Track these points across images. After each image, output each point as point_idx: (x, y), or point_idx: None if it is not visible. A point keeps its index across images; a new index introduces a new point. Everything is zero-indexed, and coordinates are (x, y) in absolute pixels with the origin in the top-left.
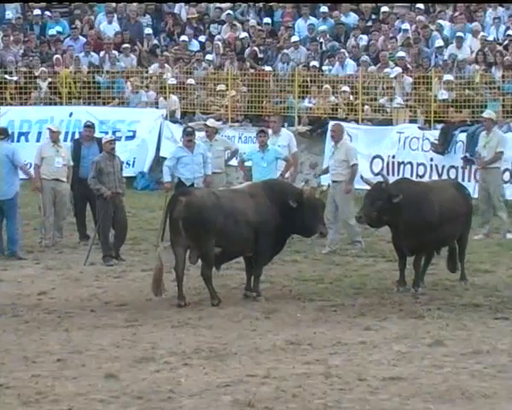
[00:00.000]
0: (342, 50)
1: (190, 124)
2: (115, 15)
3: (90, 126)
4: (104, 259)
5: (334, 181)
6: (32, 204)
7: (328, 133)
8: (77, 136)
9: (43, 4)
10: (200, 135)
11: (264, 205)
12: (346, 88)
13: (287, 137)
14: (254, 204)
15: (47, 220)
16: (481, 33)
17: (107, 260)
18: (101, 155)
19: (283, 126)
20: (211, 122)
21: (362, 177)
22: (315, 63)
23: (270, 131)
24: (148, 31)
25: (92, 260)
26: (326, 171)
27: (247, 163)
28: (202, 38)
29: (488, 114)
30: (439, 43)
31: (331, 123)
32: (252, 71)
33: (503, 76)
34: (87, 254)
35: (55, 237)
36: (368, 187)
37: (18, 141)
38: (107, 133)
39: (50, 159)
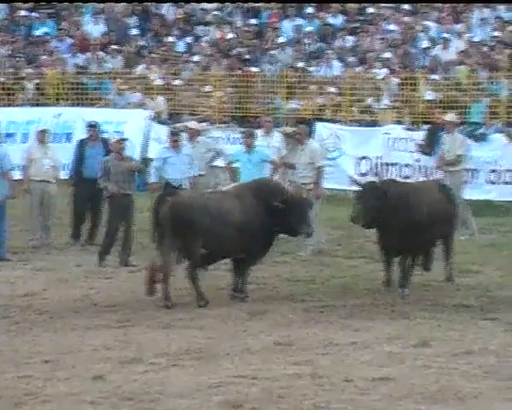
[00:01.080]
0: (328, 51)
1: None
2: (102, 16)
3: (93, 126)
4: (99, 256)
5: (301, 183)
6: (19, 206)
7: (316, 135)
8: (64, 137)
9: (30, 5)
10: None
11: (251, 206)
12: (332, 89)
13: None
14: (241, 205)
15: (36, 221)
16: (466, 35)
17: (101, 258)
18: (111, 156)
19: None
20: (192, 124)
21: (350, 177)
22: (301, 64)
23: (261, 132)
24: (135, 32)
25: (80, 262)
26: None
27: (234, 164)
28: (189, 39)
29: (450, 117)
30: (426, 44)
31: (299, 125)
32: (238, 72)
33: (489, 77)
34: (99, 254)
35: (43, 237)
36: (354, 188)
37: (5, 142)
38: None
39: (39, 160)
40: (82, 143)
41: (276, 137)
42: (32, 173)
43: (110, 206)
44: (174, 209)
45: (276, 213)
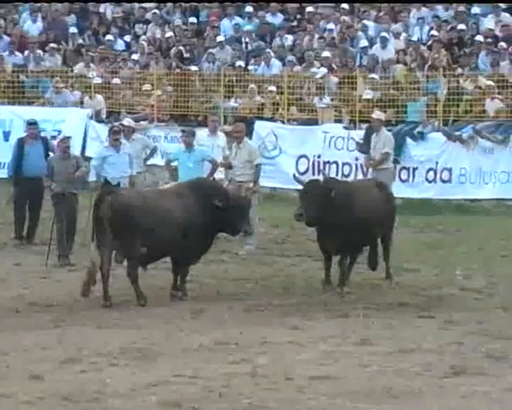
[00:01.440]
0: (268, 50)
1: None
2: (40, 14)
3: (33, 124)
4: (59, 258)
5: (239, 181)
6: None
7: (254, 133)
8: (1, 135)
9: None
10: None
11: (191, 205)
12: (272, 88)
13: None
14: (181, 204)
15: None
16: (404, 34)
17: (62, 259)
18: (55, 154)
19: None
20: (127, 121)
21: (294, 176)
22: (241, 63)
23: (206, 131)
24: (73, 30)
25: (18, 261)
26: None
27: (174, 163)
28: (127, 38)
29: (377, 115)
30: (364, 43)
31: (237, 123)
32: (177, 71)
33: (426, 76)
34: (46, 255)
35: None
36: (296, 186)
37: None
38: None
39: None
40: (21, 142)
41: (222, 137)
42: None
43: (55, 205)
44: (113, 208)
45: (215, 212)
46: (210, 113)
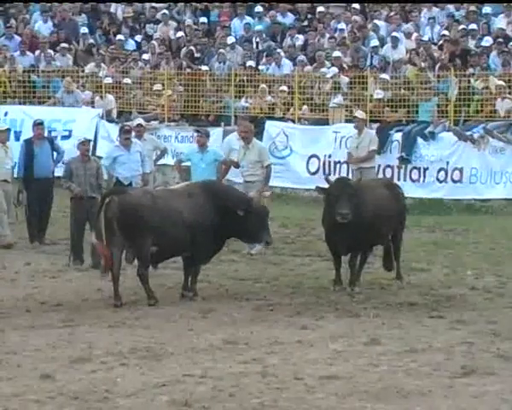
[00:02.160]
0: (278, 50)
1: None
2: (50, 14)
3: (40, 124)
4: (74, 262)
5: (247, 181)
6: None
7: (265, 133)
8: (12, 135)
9: None
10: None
11: (203, 205)
12: (283, 87)
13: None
14: (192, 204)
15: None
16: (415, 34)
17: (76, 263)
18: (74, 157)
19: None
20: (139, 121)
21: (326, 179)
22: (251, 63)
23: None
24: (84, 30)
25: (28, 261)
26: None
27: (186, 163)
28: (138, 38)
29: (360, 114)
30: (375, 42)
31: (242, 123)
32: (188, 70)
33: (437, 76)
34: (69, 256)
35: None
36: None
37: None
38: None
39: (0, 160)
40: (29, 143)
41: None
42: None
43: (73, 208)
44: (122, 208)
45: (231, 216)
46: (241, 118)
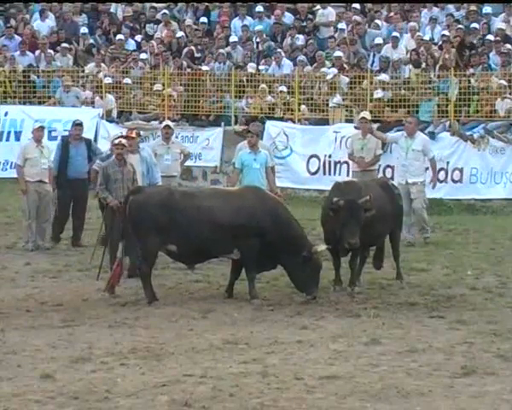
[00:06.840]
0: (278, 50)
1: (134, 122)
2: (50, 14)
3: (79, 125)
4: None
5: None
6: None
7: (265, 133)
8: (12, 135)
9: None
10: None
11: (250, 209)
12: (283, 88)
13: (422, 142)
14: (237, 205)
15: (32, 224)
16: (417, 33)
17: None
18: (110, 161)
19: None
20: (169, 122)
21: (337, 201)
22: (252, 63)
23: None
24: (84, 30)
25: (28, 261)
26: None
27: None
28: (138, 38)
29: (368, 115)
30: (379, 40)
31: (251, 124)
32: (188, 70)
33: (438, 76)
34: (99, 266)
35: (38, 240)
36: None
37: None
38: None
39: (35, 160)
40: (66, 142)
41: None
42: (27, 174)
43: (108, 216)
44: (131, 207)
45: (288, 257)
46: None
